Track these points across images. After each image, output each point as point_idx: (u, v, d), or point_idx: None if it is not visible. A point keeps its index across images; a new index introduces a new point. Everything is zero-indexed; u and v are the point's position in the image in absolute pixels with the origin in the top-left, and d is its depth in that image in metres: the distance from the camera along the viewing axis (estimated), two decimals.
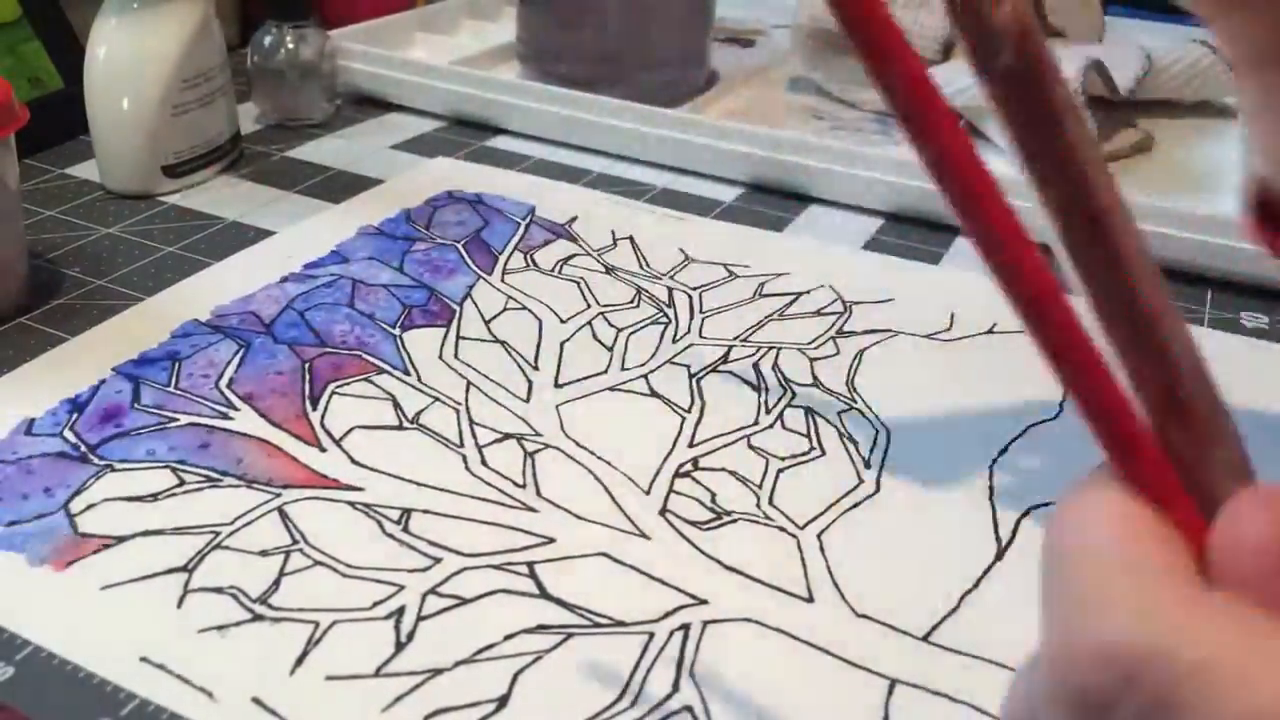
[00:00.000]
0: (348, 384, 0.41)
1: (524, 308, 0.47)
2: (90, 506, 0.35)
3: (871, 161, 0.58)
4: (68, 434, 0.38)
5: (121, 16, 0.55)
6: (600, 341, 0.45)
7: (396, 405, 0.40)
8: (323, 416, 0.40)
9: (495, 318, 0.46)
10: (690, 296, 0.49)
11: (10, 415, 0.39)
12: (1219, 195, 0.63)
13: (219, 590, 0.32)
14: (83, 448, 0.37)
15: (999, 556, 0.35)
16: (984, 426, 0.41)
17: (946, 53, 0.71)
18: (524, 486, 0.37)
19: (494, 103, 0.67)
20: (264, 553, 0.34)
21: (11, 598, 0.32)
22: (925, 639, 0.31)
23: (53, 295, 0.47)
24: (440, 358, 0.43)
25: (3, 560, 0.33)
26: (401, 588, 0.33)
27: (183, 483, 0.36)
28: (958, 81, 0.65)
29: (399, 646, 0.31)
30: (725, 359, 0.44)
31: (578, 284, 0.50)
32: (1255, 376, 0.45)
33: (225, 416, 0.39)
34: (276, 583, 0.33)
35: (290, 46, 0.66)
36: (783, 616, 0.32)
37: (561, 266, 0.51)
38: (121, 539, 0.34)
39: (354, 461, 0.38)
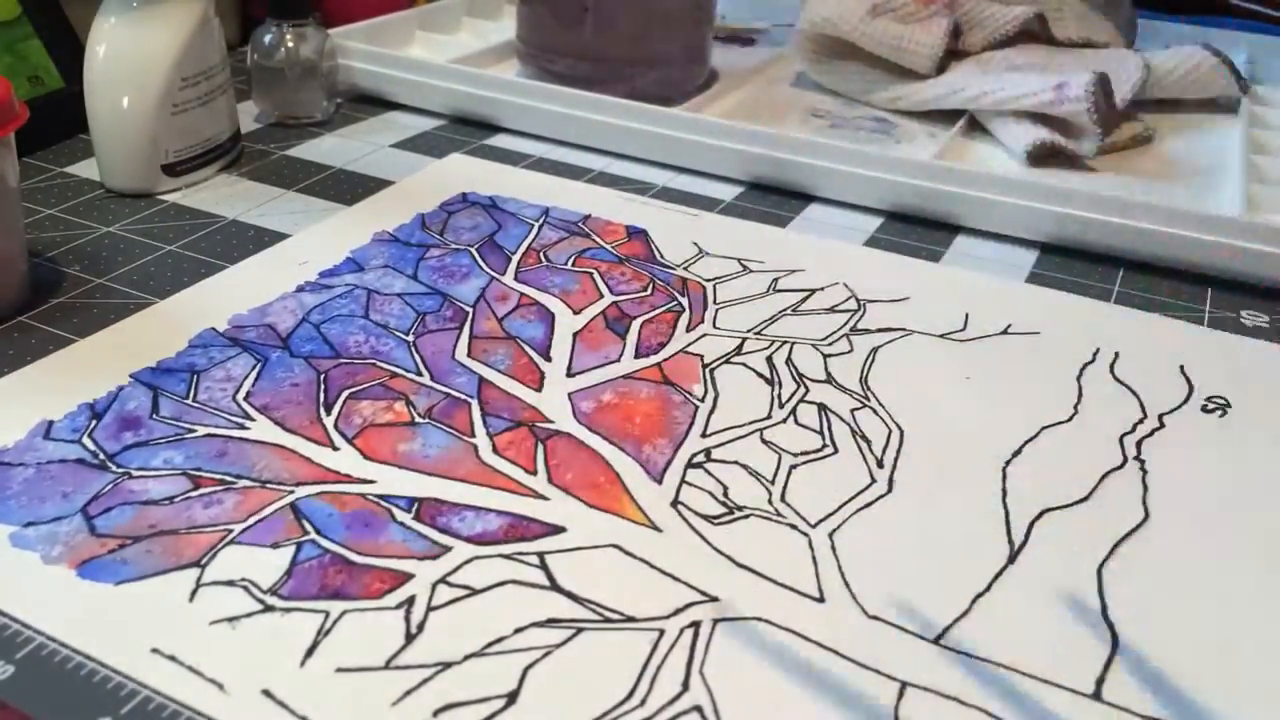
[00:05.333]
0: (361, 389, 0.41)
1: (536, 303, 0.47)
2: (107, 510, 0.35)
3: (871, 160, 0.58)
4: (86, 441, 0.38)
5: (121, 15, 0.55)
6: (613, 330, 0.45)
7: (409, 404, 0.40)
8: (336, 420, 0.39)
9: (508, 315, 0.46)
10: (704, 287, 0.49)
11: (28, 414, 0.39)
12: (1216, 185, 0.64)
13: (230, 583, 0.32)
14: (101, 456, 0.37)
15: (1011, 559, 0.34)
16: (997, 428, 0.41)
17: (940, 69, 0.71)
18: (535, 474, 0.37)
19: (494, 101, 0.67)
20: (275, 545, 0.33)
21: (25, 591, 0.32)
22: (936, 641, 0.31)
23: (52, 294, 0.47)
24: (453, 357, 0.43)
25: (18, 558, 0.33)
26: (412, 576, 0.32)
27: (198, 486, 0.36)
28: (966, 89, 0.67)
29: (409, 638, 0.30)
30: (739, 350, 0.44)
31: (591, 274, 0.50)
32: (1255, 376, 0.45)
33: (242, 427, 0.39)
34: (288, 573, 0.32)
35: (290, 45, 0.66)
36: (793, 616, 0.32)
37: (574, 260, 0.51)
38: (137, 539, 0.34)
39: (366, 457, 0.37)
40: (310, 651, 0.30)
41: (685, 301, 0.48)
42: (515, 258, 0.51)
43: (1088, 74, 0.64)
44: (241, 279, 0.49)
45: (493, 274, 0.50)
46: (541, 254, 0.52)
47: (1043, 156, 0.64)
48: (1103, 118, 0.63)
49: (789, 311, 0.48)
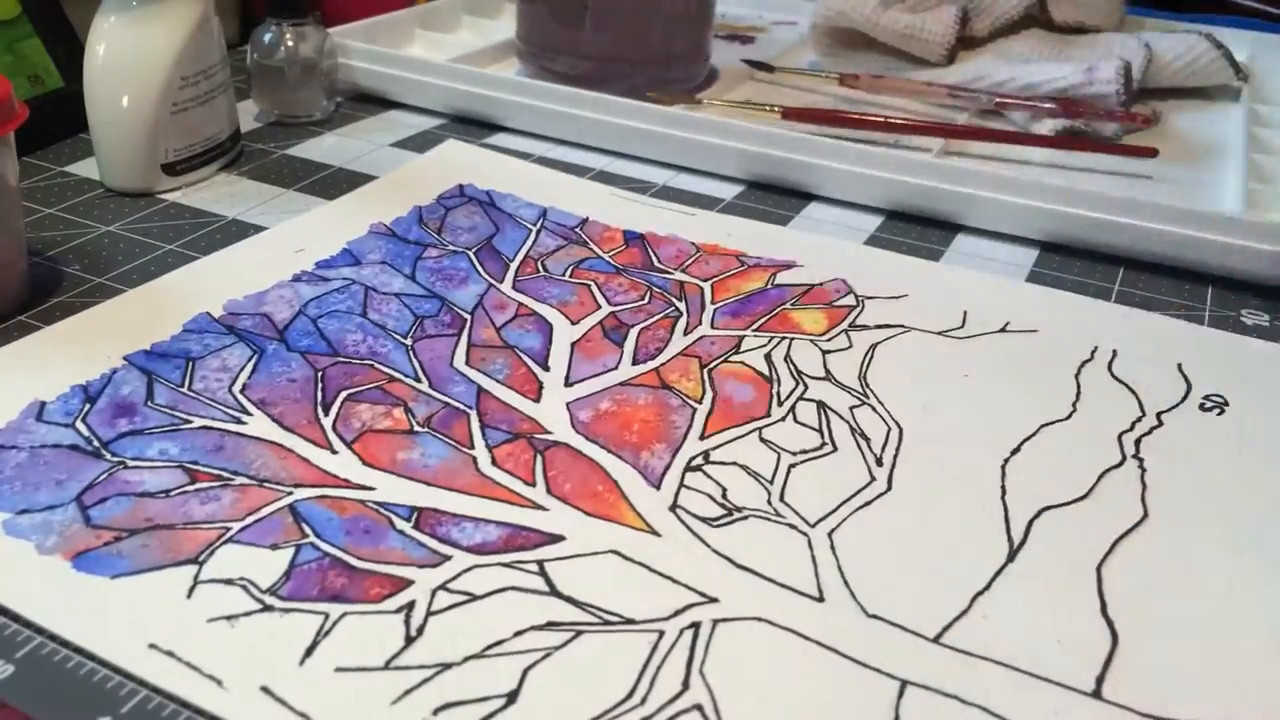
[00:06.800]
0: (359, 391, 0.41)
1: (534, 313, 0.47)
2: (102, 501, 0.35)
3: (871, 158, 0.58)
4: (80, 426, 0.38)
5: (121, 14, 0.55)
6: (611, 339, 0.45)
7: (408, 411, 0.40)
8: (334, 422, 0.39)
9: (506, 324, 0.46)
10: (702, 288, 0.49)
11: (18, 392, 0.39)
12: (1220, 163, 0.66)
13: (229, 582, 0.32)
14: (95, 443, 0.37)
15: (1011, 557, 0.34)
16: (996, 426, 0.41)
17: (950, 57, 0.74)
18: (534, 485, 0.37)
19: (494, 100, 0.67)
20: (274, 546, 0.33)
21: (20, 584, 0.32)
22: (936, 640, 0.31)
23: (52, 293, 0.47)
24: (451, 365, 0.43)
25: (13, 547, 0.33)
26: (411, 582, 0.32)
27: (195, 481, 0.36)
28: (992, 75, 0.72)
29: (409, 640, 0.30)
30: (737, 349, 0.44)
31: (588, 286, 0.49)
32: (1254, 374, 0.45)
33: (238, 421, 0.39)
34: (287, 574, 0.32)
35: (290, 44, 0.66)
36: (793, 616, 0.32)
37: (572, 270, 0.51)
38: (133, 532, 0.34)
39: (364, 463, 0.37)
40: (310, 651, 0.30)
41: (683, 306, 0.48)
42: (513, 265, 0.51)
43: (1116, 60, 0.68)
44: (235, 263, 0.49)
45: (491, 281, 0.49)
46: (539, 263, 0.51)
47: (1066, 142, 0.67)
48: (1130, 100, 0.68)
49: (788, 306, 0.48)
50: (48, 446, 0.37)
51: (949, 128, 0.66)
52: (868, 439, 0.40)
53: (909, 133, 0.65)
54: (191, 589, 0.32)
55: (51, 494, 0.35)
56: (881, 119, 0.66)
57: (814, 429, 0.40)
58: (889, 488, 0.37)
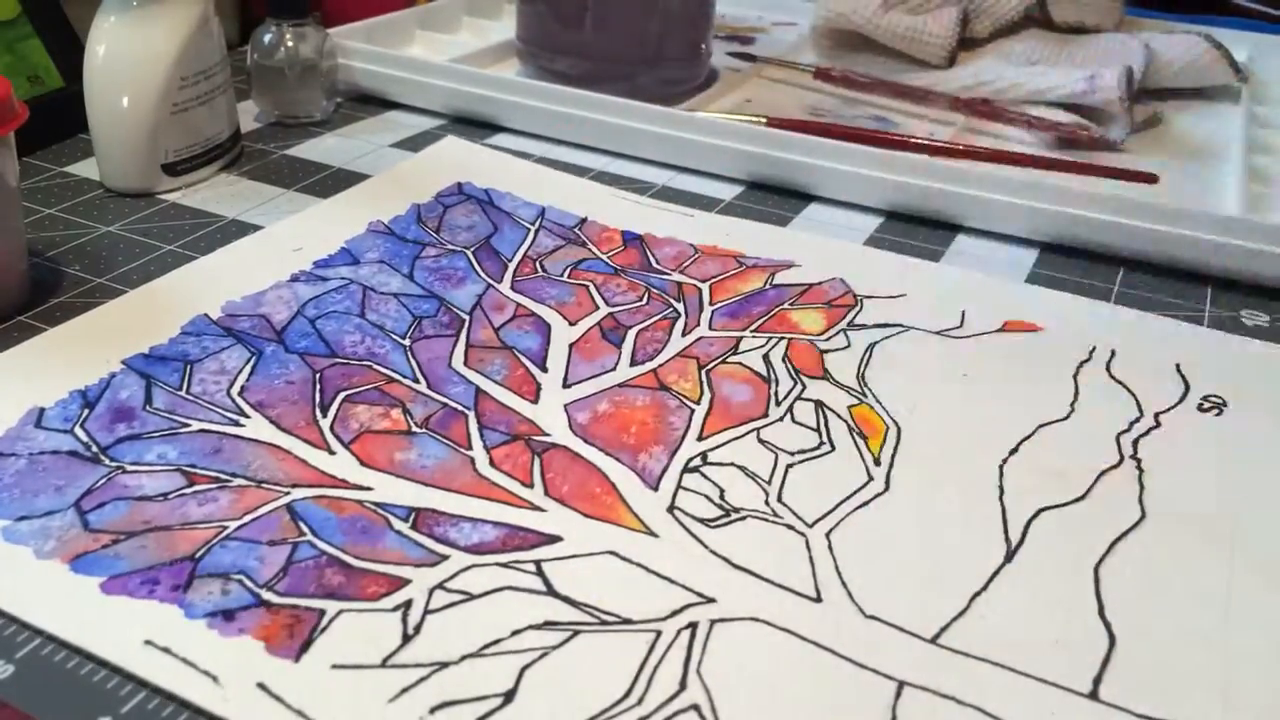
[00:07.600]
0: (358, 392, 0.41)
1: (532, 314, 0.47)
2: (100, 505, 0.35)
3: (871, 159, 0.58)
4: (79, 431, 0.38)
5: (121, 14, 0.55)
6: (609, 340, 0.45)
7: (406, 412, 0.40)
8: (332, 422, 0.39)
9: (504, 325, 0.46)
10: (700, 289, 0.49)
11: (17, 399, 0.39)
12: (1219, 164, 0.66)
13: (225, 577, 0.32)
14: (94, 448, 0.37)
15: (1009, 558, 0.34)
16: (994, 426, 0.41)
17: (951, 59, 0.74)
18: (532, 486, 0.37)
19: (494, 100, 0.67)
20: (271, 543, 0.34)
21: (17, 586, 0.32)
22: (934, 641, 0.31)
23: (52, 293, 0.47)
24: (450, 365, 0.43)
25: (11, 552, 0.33)
26: (409, 581, 0.32)
27: (192, 483, 0.36)
28: (995, 81, 0.72)
29: (406, 639, 0.30)
30: (735, 349, 0.44)
31: (586, 287, 0.49)
32: (1252, 375, 0.45)
33: (236, 423, 0.39)
34: (284, 570, 0.32)
35: (290, 44, 0.66)
36: (790, 616, 0.32)
37: (570, 271, 0.51)
38: (131, 534, 0.34)
39: (362, 464, 0.37)
40: (306, 647, 0.30)
41: (681, 307, 0.48)
42: (511, 265, 0.51)
43: (1118, 66, 0.69)
44: (233, 263, 0.49)
45: (489, 281, 0.49)
46: (538, 263, 0.51)
47: (1070, 142, 0.67)
48: (1131, 105, 0.68)
49: (786, 306, 0.48)
50: (46, 453, 0.37)
51: (938, 146, 0.65)
52: (865, 438, 0.40)
53: (899, 149, 0.64)
54: (188, 584, 0.32)
55: (50, 500, 0.35)
56: (870, 133, 0.66)
57: (812, 429, 0.40)
58: (887, 488, 0.37)
